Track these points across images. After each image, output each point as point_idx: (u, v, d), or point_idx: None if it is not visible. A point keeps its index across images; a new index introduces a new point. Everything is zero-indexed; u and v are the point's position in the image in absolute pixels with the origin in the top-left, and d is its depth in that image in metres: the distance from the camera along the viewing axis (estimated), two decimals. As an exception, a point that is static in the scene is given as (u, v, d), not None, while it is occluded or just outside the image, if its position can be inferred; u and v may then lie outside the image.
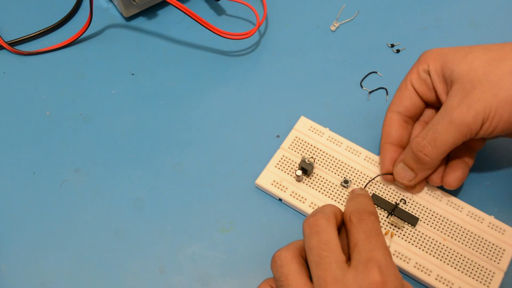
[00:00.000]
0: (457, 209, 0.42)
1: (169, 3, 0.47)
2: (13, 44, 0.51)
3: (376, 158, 0.44)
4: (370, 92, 0.49)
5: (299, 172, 0.42)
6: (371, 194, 0.42)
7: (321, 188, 0.43)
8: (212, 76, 0.50)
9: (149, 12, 0.54)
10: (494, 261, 0.40)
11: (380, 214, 0.42)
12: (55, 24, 0.52)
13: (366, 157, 0.44)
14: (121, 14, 0.53)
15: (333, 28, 0.53)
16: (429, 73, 0.40)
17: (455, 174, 0.41)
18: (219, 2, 0.54)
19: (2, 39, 0.50)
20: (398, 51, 0.52)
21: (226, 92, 0.49)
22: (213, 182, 0.44)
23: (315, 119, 0.46)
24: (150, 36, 0.52)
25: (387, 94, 0.49)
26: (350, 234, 0.34)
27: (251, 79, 0.50)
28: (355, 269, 0.32)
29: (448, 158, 0.42)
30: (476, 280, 0.39)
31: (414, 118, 0.43)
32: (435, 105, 0.42)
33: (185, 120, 0.48)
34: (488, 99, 0.36)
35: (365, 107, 0.48)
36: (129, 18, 0.53)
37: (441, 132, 0.38)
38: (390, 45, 0.52)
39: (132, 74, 0.50)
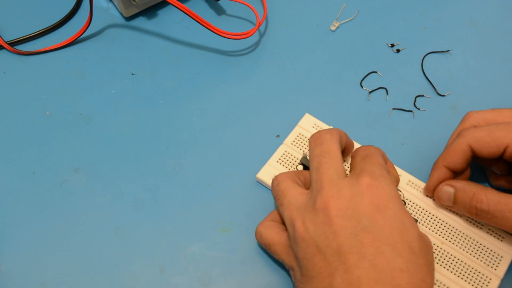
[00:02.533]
0: (456, 214, 0.42)
1: (169, 3, 0.47)
2: (13, 44, 0.51)
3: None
4: (370, 92, 0.49)
5: (300, 167, 0.42)
6: None
7: None
8: (212, 76, 0.50)
9: (149, 12, 0.54)
10: (491, 267, 0.40)
11: None
12: (55, 24, 0.52)
13: None
14: (121, 14, 0.53)
15: (333, 28, 0.53)
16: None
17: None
18: (219, 2, 0.54)
19: (2, 39, 0.50)
20: (398, 51, 0.52)
21: (226, 92, 0.49)
22: (213, 182, 0.44)
23: (315, 118, 0.46)
24: (150, 36, 0.52)
25: (387, 94, 0.49)
26: (352, 160, 0.39)
27: (251, 79, 0.50)
28: (350, 177, 0.36)
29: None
30: (472, 285, 0.39)
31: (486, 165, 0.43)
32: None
33: (185, 120, 0.48)
34: None
35: (365, 107, 0.48)
36: (129, 18, 0.53)
37: (504, 219, 0.38)
38: (390, 45, 0.52)
39: (132, 74, 0.50)
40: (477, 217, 0.39)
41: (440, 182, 0.41)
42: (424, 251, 0.35)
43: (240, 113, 0.48)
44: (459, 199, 0.40)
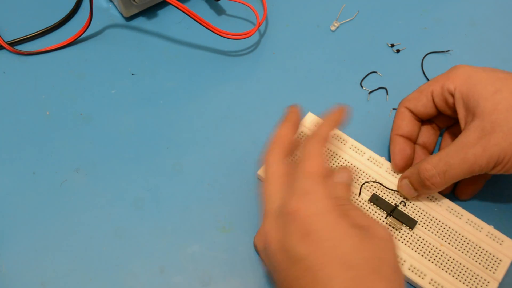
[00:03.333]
0: (456, 216, 0.42)
1: (169, 3, 0.47)
2: (13, 44, 0.51)
3: (379, 158, 0.44)
4: (370, 92, 0.49)
5: None
6: (371, 194, 0.42)
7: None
8: (212, 76, 0.50)
9: (149, 12, 0.54)
10: (490, 270, 0.40)
11: (378, 215, 0.42)
12: (55, 24, 0.52)
13: (370, 157, 0.44)
14: (121, 14, 0.53)
15: (333, 28, 0.53)
16: (453, 94, 0.40)
17: (468, 187, 0.43)
18: (219, 2, 0.54)
19: (2, 39, 0.50)
20: (398, 51, 0.52)
21: (226, 92, 0.49)
22: (213, 182, 0.44)
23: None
24: (150, 36, 0.52)
25: (387, 94, 0.49)
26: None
27: (251, 79, 0.50)
28: (283, 201, 0.35)
29: None
30: (470, 287, 0.39)
31: (424, 119, 0.44)
32: (449, 115, 0.43)
33: (185, 120, 0.48)
34: (505, 147, 0.37)
35: (365, 107, 0.48)
36: (129, 18, 0.53)
37: (453, 167, 0.38)
38: (390, 45, 0.52)
39: (132, 74, 0.50)
40: (440, 186, 0.39)
41: (402, 153, 0.43)
42: (368, 255, 0.32)
43: (240, 113, 0.48)
44: (414, 183, 0.41)
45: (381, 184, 0.43)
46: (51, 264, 0.41)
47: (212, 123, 0.47)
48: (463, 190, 0.43)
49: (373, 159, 0.44)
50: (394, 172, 0.44)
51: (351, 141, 0.45)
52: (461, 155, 0.38)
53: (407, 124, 0.43)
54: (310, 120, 0.46)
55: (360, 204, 0.42)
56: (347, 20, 0.54)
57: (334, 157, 0.44)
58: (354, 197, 0.42)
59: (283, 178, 0.36)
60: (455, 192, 0.43)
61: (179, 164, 0.45)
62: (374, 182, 0.43)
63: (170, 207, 0.43)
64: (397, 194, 0.42)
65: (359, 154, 0.44)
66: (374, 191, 0.43)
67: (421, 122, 0.44)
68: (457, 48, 0.52)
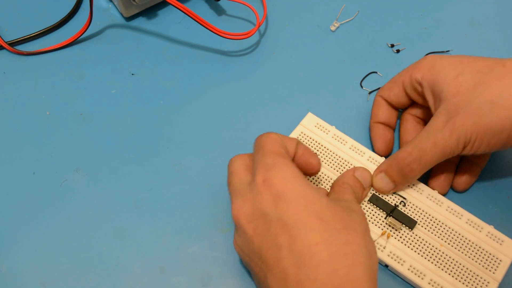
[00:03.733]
0: (456, 216, 0.42)
1: (169, 3, 0.47)
2: (13, 44, 0.51)
3: (379, 159, 0.44)
4: (370, 92, 0.49)
5: None
6: (371, 195, 0.42)
7: (319, 183, 0.43)
8: (212, 76, 0.50)
9: (149, 12, 0.54)
10: (490, 270, 0.40)
11: (378, 215, 0.42)
12: (55, 24, 0.52)
13: (370, 157, 0.44)
14: (121, 14, 0.53)
15: (333, 28, 0.53)
16: (420, 84, 0.42)
17: (463, 177, 0.43)
18: (219, 2, 0.54)
19: (2, 39, 0.50)
20: (398, 51, 0.52)
21: (226, 92, 0.49)
22: (213, 182, 0.44)
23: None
24: (150, 36, 0.52)
25: (387, 94, 0.49)
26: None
27: (251, 79, 0.50)
28: (250, 180, 0.36)
29: (460, 160, 0.44)
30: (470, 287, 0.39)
31: (400, 108, 0.46)
32: (422, 104, 0.44)
33: (185, 120, 0.48)
34: (469, 127, 0.38)
35: (365, 107, 0.48)
36: (129, 18, 0.53)
37: (426, 152, 0.39)
38: (390, 45, 0.52)
39: (132, 74, 0.50)
40: (417, 173, 0.40)
41: (382, 138, 0.45)
42: (340, 214, 0.34)
43: (240, 113, 0.48)
44: (393, 175, 0.41)
45: None
46: (51, 264, 0.41)
47: (212, 123, 0.47)
48: (458, 180, 0.43)
49: (372, 159, 0.44)
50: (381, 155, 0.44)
51: (351, 142, 0.45)
52: (432, 140, 0.39)
53: (384, 112, 0.45)
54: (309, 120, 0.46)
55: (361, 204, 0.42)
56: (347, 20, 0.54)
57: (333, 157, 0.44)
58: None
59: (247, 169, 0.37)
60: (452, 185, 0.44)
61: (179, 164, 0.45)
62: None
63: (170, 207, 0.43)
64: (397, 194, 0.42)
65: (359, 154, 0.44)
66: (373, 192, 0.43)
67: (397, 110, 0.46)
68: (457, 48, 0.52)
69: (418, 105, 0.45)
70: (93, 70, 0.50)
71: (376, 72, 0.50)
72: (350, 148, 0.44)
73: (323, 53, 0.52)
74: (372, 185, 0.42)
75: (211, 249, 0.42)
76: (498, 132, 0.37)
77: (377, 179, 0.42)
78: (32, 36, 0.51)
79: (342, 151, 0.44)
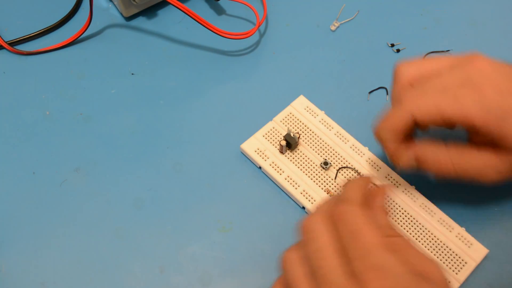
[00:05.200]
0: (429, 213, 0.42)
1: (169, 3, 0.47)
2: (13, 44, 0.51)
3: (361, 147, 0.45)
4: (370, 92, 0.49)
5: (283, 142, 0.43)
6: (346, 181, 0.43)
7: (300, 165, 0.44)
8: (212, 76, 0.50)
9: (149, 12, 0.54)
10: (453, 271, 0.40)
11: None
12: (55, 24, 0.52)
13: (353, 145, 0.45)
14: (121, 14, 0.53)
15: (333, 28, 0.53)
16: (474, 128, 0.37)
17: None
18: (219, 2, 0.54)
19: (2, 39, 0.50)
20: (398, 51, 0.52)
21: (226, 92, 0.49)
22: (213, 182, 0.44)
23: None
24: (150, 36, 0.52)
25: (387, 93, 0.49)
26: (338, 236, 0.32)
27: (251, 79, 0.50)
28: (354, 281, 0.30)
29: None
30: None
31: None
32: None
33: (185, 120, 0.48)
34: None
35: (365, 107, 0.48)
36: (129, 18, 0.53)
37: (465, 170, 0.38)
38: (390, 45, 0.52)
39: (132, 74, 0.50)
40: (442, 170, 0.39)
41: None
42: None
43: (240, 113, 0.48)
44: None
45: (358, 173, 0.43)
46: (51, 264, 0.41)
47: (212, 123, 0.47)
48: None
49: (355, 147, 0.45)
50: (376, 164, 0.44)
51: (337, 128, 0.46)
52: (477, 168, 0.38)
53: (405, 131, 0.40)
54: (300, 103, 0.47)
55: (335, 188, 0.43)
56: (347, 20, 0.54)
57: (317, 141, 0.45)
58: (329, 181, 0.43)
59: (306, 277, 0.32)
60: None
61: (179, 164, 0.45)
62: (352, 169, 0.44)
63: (170, 207, 0.43)
64: (372, 185, 0.43)
65: (343, 141, 0.45)
66: (350, 178, 0.43)
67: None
68: (457, 48, 0.52)
69: None
70: (93, 70, 0.50)
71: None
72: (335, 134, 0.45)
73: (323, 53, 0.52)
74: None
75: (211, 249, 0.42)
76: None
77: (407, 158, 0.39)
78: (32, 36, 0.51)
79: (327, 136, 0.45)
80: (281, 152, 0.44)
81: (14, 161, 0.45)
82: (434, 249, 0.40)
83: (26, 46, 0.51)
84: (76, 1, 0.54)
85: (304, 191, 0.43)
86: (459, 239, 0.41)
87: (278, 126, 0.46)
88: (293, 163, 0.44)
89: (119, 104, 0.48)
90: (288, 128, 0.45)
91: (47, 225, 0.42)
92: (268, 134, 0.45)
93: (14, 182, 0.44)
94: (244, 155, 0.45)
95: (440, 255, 0.40)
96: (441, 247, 0.41)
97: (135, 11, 0.52)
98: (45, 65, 0.50)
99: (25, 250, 0.41)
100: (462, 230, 0.41)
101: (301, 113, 0.46)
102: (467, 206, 0.43)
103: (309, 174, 0.44)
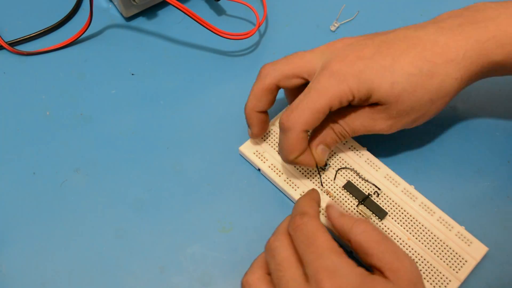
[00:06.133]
0: (428, 213, 0.42)
1: (169, 3, 0.47)
2: (13, 44, 0.51)
3: (360, 148, 0.45)
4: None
5: None
6: (345, 182, 0.43)
7: (299, 166, 0.44)
8: (212, 77, 0.50)
9: (149, 12, 0.54)
10: (454, 269, 0.40)
11: (350, 202, 0.42)
12: (55, 24, 0.52)
13: (351, 146, 0.45)
14: (121, 14, 0.53)
15: (333, 28, 0.53)
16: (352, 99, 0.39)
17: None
18: (219, 2, 0.54)
19: (2, 39, 0.50)
20: (398, 51, 0.52)
21: (226, 92, 0.49)
22: (213, 182, 0.44)
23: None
24: (150, 36, 0.52)
25: (387, 94, 0.49)
26: (296, 248, 0.34)
27: (251, 79, 0.50)
28: (310, 284, 0.32)
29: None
30: (431, 284, 0.39)
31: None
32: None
33: (185, 120, 0.48)
34: (409, 121, 0.41)
35: (365, 107, 0.48)
36: (129, 18, 0.53)
37: (356, 132, 0.41)
38: (390, 45, 0.52)
39: (132, 74, 0.50)
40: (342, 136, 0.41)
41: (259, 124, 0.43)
42: None
43: (241, 113, 0.48)
44: (331, 142, 0.41)
45: (358, 174, 0.43)
46: (51, 264, 0.41)
47: (212, 123, 0.47)
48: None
49: (354, 148, 0.45)
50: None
51: None
52: (368, 127, 0.40)
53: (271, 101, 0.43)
54: None
55: (334, 189, 0.43)
56: (347, 20, 0.54)
57: None
58: (329, 182, 0.43)
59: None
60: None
61: (179, 164, 0.45)
62: (351, 169, 0.43)
63: (170, 207, 0.43)
64: (372, 184, 0.43)
65: (341, 142, 0.45)
66: (349, 179, 0.43)
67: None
68: (457, 48, 0.52)
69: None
70: (93, 70, 0.50)
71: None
72: None
73: (323, 53, 0.52)
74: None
75: (211, 249, 0.42)
76: (433, 115, 0.40)
77: (319, 152, 0.41)
78: (32, 36, 0.51)
79: None
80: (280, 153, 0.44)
81: (14, 161, 0.45)
82: (434, 248, 0.40)
83: (26, 46, 0.51)
84: (76, 1, 0.54)
85: (303, 192, 0.43)
86: (459, 237, 0.41)
87: (276, 128, 0.45)
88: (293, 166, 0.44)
89: (119, 104, 0.48)
90: None
91: (47, 225, 0.42)
92: (267, 136, 0.45)
93: (14, 182, 0.44)
94: (243, 159, 0.45)
95: (440, 253, 0.40)
96: (441, 246, 0.41)
97: (135, 11, 0.52)
98: (45, 65, 0.50)
99: (25, 250, 0.41)
100: (461, 229, 0.41)
101: None
102: (466, 206, 0.43)
103: (308, 176, 0.43)
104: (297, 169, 0.44)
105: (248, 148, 0.45)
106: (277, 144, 0.45)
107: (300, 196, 0.42)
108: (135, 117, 0.48)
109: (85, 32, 0.50)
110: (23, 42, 0.51)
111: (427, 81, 0.38)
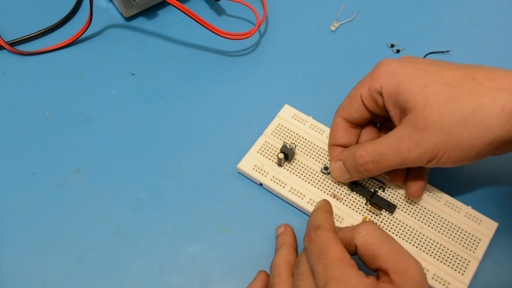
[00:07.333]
0: (435, 199, 0.42)
1: (169, 3, 0.47)
2: (13, 44, 0.51)
3: None
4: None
5: (281, 155, 0.43)
6: (349, 182, 0.43)
7: (301, 174, 0.44)
8: (212, 76, 0.50)
9: (149, 12, 0.54)
10: (470, 250, 0.40)
11: (359, 201, 0.42)
12: (55, 24, 0.52)
13: None
14: (121, 14, 0.53)
15: (333, 28, 0.53)
16: (381, 94, 0.40)
17: (417, 184, 0.42)
18: (219, 2, 0.54)
19: (2, 39, 0.50)
20: (398, 51, 0.52)
21: (226, 92, 0.49)
22: (213, 182, 0.44)
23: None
24: (150, 36, 0.52)
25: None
26: (308, 260, 0.35)
27: (251, 79, 0.50)
28: None
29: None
30: (451, 267, 0.40)
31: (361, 124, 0.43)
32: (382, 115, 0.42)
33: (185, 120, 0.48)
34: (438, 143, 0.37)
35: (365, 107, 0.48)
36: (129, 18, 0.53)
37: (386, 158, 0.38)
38: (390, 45, 0.52)
39: (132, 74, 0.50)
40: (373, 173, 0.40)
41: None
42: None
43: (240, 113, 0.48)
44: (348, 167, 0.41)
45: None
46: (51, 264, 0.41)
47: (212, 123, 0.47)
48: (412, 189, 0.42)
49: None
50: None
51: (328, 131, 0.45)
52: (395, 148, 0.38)
53: (343, 135, 0.42)
54: (286, 112, 0.46)
55: (341, 192, 0.43)
56: (347, 20, 0.54)
57: (312, 147, 0.45)
58: (334, 185, 0.43)
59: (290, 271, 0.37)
60: (408, 194, 0.42)
61: (179, 164, 0.45)
62: None
63: (170, 207, 0.43)
64: (376, 180, 0.43)
65: None
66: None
67: (360, 127, 0.43)
68: (457, 48, 0.52)
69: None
70: (93, 70, 0.50)
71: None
72: (327, 137, 0.45)
73: (323, 53, 0.52)
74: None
75: (211, 249, 0.42)
76: (468, 149, 0.36)
77: (335, 167, 0.42)
78: (32, 36, 0.51)
79: (320, 141, 0.45)
80: (279, 165, 0.44)
81: (14, 161, 0.45)
82: (448, 233, 0.41)
83: (26, 46, 0.51)
84: (76, 1, 0.54)
85: (310, 199, 0.42)
86: (468, 218, 0.41)
87: (270, 139, 0.45)
88: (294, 174, 0.44)
89: (119, 104, 0.48)
90: (283, 140, 0.45)
91: (47, 225, 0.42)
92: (263, 149, 0.45)
93: (14, 182, 0.44)
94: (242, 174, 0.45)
95: (454, 237, 0.41)
96: (454, 228, 0.41)
97: (135, 11, 0.52)
98: (45, 65, 0.50)
99: (25, 250, 0.41)
100: (469, 209, 0.42)
101: (290, 122, 0.46)
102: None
103: (311, 182, 0.43)
104: (300, 177, 0.43)
105: (246, 165, 0.44)
106: (274, 156, 0.44)
107: (307, 203, 0.42)
108: (135, 117, 0.48)
109: (85, 32, 0.50)
110: (23, 42, 0.51)
111: (465, 96, 0.36)
